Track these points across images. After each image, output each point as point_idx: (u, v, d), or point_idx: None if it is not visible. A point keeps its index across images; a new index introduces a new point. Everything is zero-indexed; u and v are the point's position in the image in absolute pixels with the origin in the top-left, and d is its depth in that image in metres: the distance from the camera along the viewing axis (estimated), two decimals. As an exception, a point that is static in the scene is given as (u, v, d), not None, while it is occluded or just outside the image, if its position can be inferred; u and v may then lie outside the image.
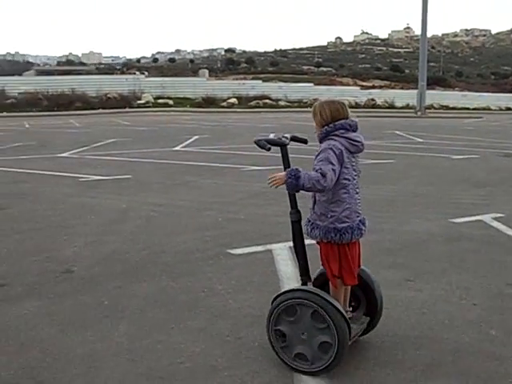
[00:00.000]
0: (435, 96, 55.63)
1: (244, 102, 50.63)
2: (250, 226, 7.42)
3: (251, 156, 14.50)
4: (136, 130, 25.33)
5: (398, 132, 24.04)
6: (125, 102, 46.69)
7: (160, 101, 48.23)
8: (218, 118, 34.90)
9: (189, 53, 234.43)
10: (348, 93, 56.93)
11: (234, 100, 50.62)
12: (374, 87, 72.70)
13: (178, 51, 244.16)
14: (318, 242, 4.02)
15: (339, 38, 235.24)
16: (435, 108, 50.79)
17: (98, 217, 7.99)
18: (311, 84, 62.84)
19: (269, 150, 3.81)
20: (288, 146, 3.93)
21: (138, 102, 47.69)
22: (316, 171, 3.58)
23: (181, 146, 17.76)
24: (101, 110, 43.55)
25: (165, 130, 24.89)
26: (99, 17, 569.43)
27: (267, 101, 51.32)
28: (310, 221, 4.00)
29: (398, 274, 5.61)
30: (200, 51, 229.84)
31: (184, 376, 3.68)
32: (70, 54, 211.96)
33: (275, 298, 3.83)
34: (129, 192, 9.86)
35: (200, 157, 14.67)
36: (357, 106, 50.48)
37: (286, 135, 3.96)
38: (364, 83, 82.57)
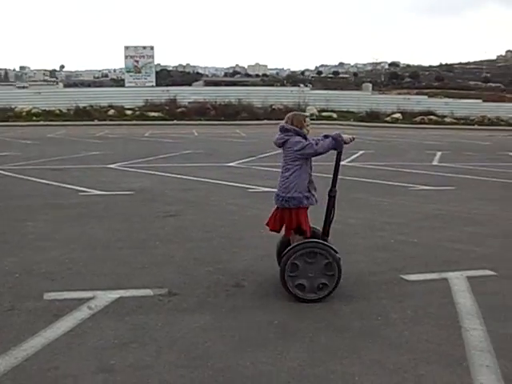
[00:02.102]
0: None
1: (408, 117, 49.36)
2: (423, 251, 7.02)
3: (419, 175, 14.00)
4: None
5: None
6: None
7: (324, 113, 48.21)
8: (381, 133, 34.27)
9: (352, 66, 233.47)
10: (519, 110, 53.84)
11: (398, 115, 49.53)
12: (549, 104, 67.96)
13: (341, 64, 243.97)
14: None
15: (510, 51, 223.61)
16: None
17: (266, 230, 7.92)
18: (479, 100, 60.11)
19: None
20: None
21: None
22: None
23: (346, 160, 17.52)
24: (266, 121, 44.35)
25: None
26: (266, 30, 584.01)
27: (432, 117, 49.68)
28: None
29: None
30: (363, 64, 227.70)
31: (361, 413, 3.44)
32: (237, 65, 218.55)
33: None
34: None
35: (366, 173, 14.32)
36: (529, 124, 47.61)
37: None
38: (538, 100, 77.70)
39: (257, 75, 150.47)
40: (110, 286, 5.58)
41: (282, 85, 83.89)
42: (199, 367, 3.94)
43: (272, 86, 76.88)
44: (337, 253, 5.22)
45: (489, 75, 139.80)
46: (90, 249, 6.91)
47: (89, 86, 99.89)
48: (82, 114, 44.67)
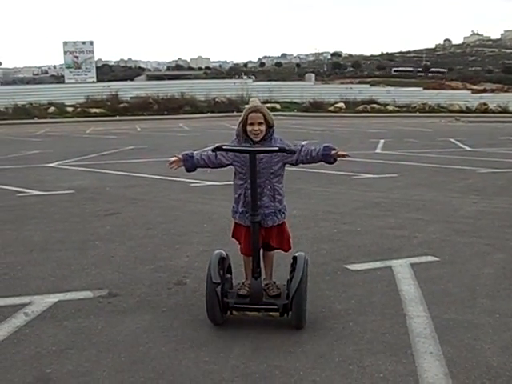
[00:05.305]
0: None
1: (351, 106, 49.94)
2: (367, 240, 7.02)
3: (362, 163, 14.07)
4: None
5: (514, 138, 22.83)
6: (233, 105, 47.16)
7: (267, 105, 48.04)
8: (325, 123, 34.54)
9: (295, 57, 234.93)
10: (458, 97, 55.08)
11: (341, 104, 50.04)
12: (485, 91, 69.60)
13: (284, 55, 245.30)
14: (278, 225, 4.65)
15: (448, 40, 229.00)
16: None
17: (209, 224, 7.85)
18: (420, 88, 61.22)
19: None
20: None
21: (246, 106, 47.99)
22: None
23: (289, 151, 17.53)
24: (209, 114, 44.23)
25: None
26: (208, 23, 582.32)
27: (375, 105, 50.42)
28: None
29: (536, 300, 5.07)
30: (306, 55, 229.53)
31: (306, 410, 3.38)
32: (179, 59, 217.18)
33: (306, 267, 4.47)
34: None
35: (309, 163, 14.35)
36: (468, 110, 48.78)
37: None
38: (474, 87, 79.54)
39: (199, 68, 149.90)
40: (48, 289, 5.38)
41: (240, 77, 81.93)
42: (140, 370, 3.81)
43: (220, 79, 75.78)
44: None
45: (428, 63, 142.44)
46: (27, 252, 6.67)
47: (27, 83, 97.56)
48: (21, 113, 43.63)
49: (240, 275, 4.94)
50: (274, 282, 4.67)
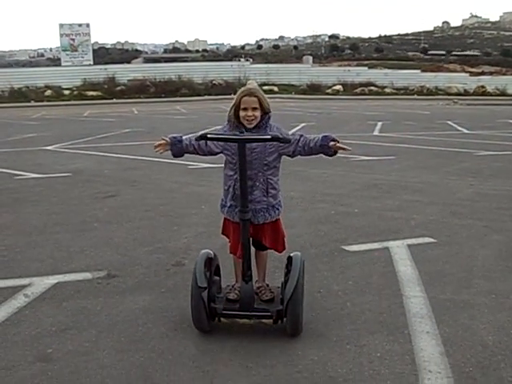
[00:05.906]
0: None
1: (349, 88, 49.84)
2: (364, 221, 7.06)
3: (360, 145, 14.08)
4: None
5: (511, 121, 22.80)
6: (230, 88, 46.99)
7: (265, 87, 48.04)
8: (323, 105, 34.47)
9: (292, 39, 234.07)
10: (456, 79, 54.84)
11: (339, 87, 49.93)
12: (483, 73, 69.34)
13: (281, 38, 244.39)
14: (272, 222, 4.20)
15: (446, 22, 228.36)
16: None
17: (207, 206, 7.86)
18: (418, 71, 61.02)
19: None
20: None
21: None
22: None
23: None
24: (206, 97, 44.14)
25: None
26: (205, 5, 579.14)
27: (372, 88, 50.31)
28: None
29: (532, 280, 5.12)
30: (304, 37, 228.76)
31: (303, 387, 3.41)
32: (176, 41, 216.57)
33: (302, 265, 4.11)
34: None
35: (307, 145, 14.35)
36: (466, 93, 48.71)
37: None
38: (472, 69, 79.24)
39: (197, 51, 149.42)
40: (47, 271, 5.41)
41: (238, 59, 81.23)
42: (140, 350, 3.85)
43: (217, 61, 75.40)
44: None
45: (427, 46, 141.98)
46: (26, 234, 6.69)
47: (23, 66, 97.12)
48: (18, 96, 43.45)
49: (231, 274, 4.55)
50: (267, 285, 4.28)
